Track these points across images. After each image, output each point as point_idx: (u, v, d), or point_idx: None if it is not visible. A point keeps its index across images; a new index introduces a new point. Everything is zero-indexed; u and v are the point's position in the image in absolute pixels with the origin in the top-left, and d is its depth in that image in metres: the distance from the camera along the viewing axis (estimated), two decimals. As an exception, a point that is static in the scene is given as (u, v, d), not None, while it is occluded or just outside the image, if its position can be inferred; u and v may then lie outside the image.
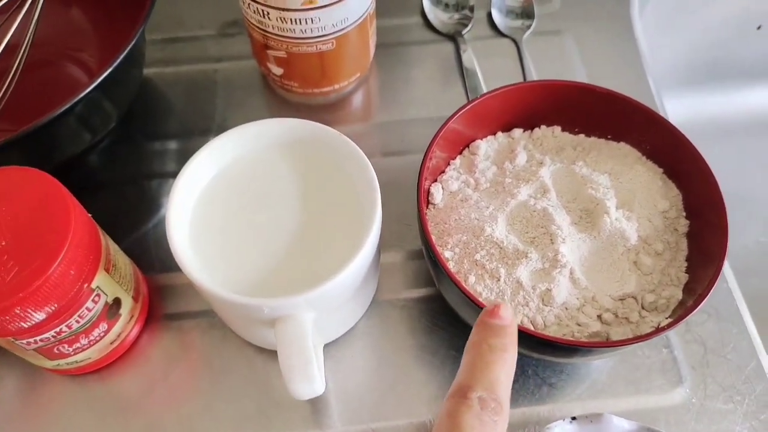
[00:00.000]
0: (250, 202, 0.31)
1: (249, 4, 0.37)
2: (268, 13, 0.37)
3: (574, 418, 0.29)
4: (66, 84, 0.43)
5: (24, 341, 0.29)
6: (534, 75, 0.46)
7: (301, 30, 0.38)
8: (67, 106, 0.32)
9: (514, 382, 0.34)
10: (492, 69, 0.47)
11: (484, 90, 0.45)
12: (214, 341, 0.36)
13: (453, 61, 0.48)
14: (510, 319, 0.23)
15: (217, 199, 0.31)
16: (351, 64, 0.43)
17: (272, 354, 0.35)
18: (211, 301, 0.30)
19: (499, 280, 0.30)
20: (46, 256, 0.27)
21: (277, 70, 0.42)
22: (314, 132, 0.32)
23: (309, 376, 0.27)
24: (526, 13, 0.49)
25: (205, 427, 0.33)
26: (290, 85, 0.43)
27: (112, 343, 0.33)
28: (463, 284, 0.28)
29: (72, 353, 0.32)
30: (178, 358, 0.35)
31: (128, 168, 0.43)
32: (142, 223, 0.40)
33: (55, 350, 0.31)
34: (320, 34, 0.38)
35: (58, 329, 0.29)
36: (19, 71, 0.37)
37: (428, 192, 0.34)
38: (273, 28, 0.38)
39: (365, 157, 0.30)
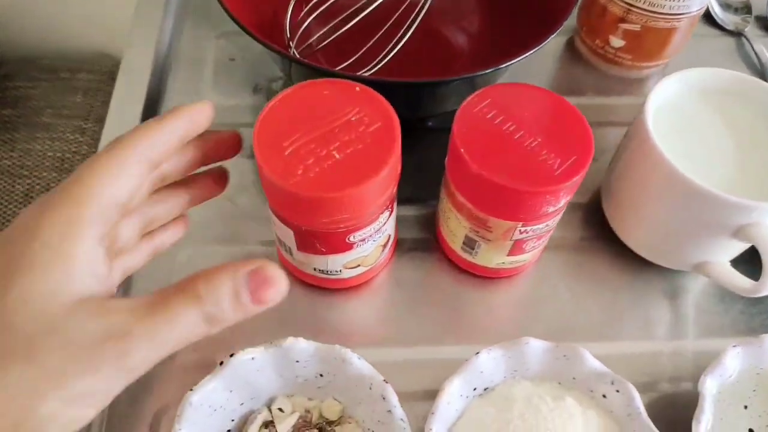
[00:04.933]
0: (700, 129, 0.37)
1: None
2: (649, -11, 0.44)
3: None
4: (448, 48, 0.49)
5: (529, 227, 0.34)
6: (816, 70, 0.52)
7: (670, 6, 0.44)
8: (481, 73, 0.36)
9: None
10: (775, 63, 0.53)
11: (778, 79, 0.52)
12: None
13: (735, 54, 0.54)
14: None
15: (672, 121, 0.37)
16: (679, 44, 0.49)
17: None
18: (676, 199, 0.34)
19: None
20: (581, 153, 0.32)
21: (618, 43, 0.48)
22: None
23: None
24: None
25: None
26: (623, 57, 0.49)
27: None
28: None
29: (528, 250, 0.37)
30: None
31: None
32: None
33: (526, 246, 0.36)
34: (685, 11, 0.45)
35: (548, 222, 0.34)
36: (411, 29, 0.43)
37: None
38: (644, 3, 0.44)
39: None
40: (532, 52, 0.37)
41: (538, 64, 0.52)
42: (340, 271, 0.36)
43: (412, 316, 0.39)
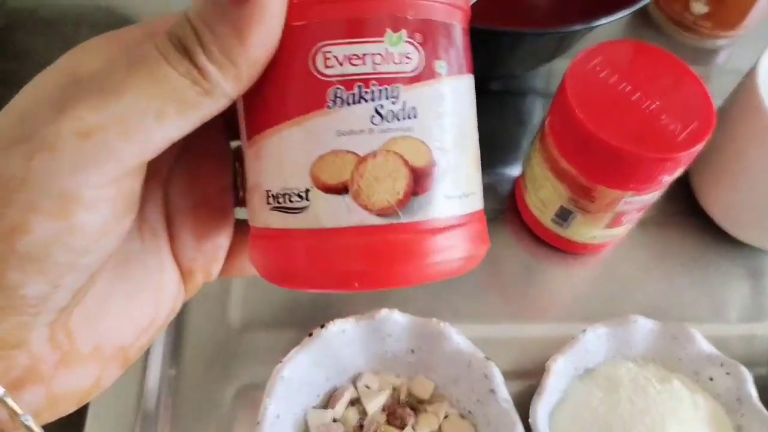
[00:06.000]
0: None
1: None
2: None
3: None
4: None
5: (637, 198, 0.31)
6: None
7: (763, -30, 0.42)
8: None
9: None
10: None
11: None
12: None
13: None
14: None
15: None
16: (760, 12, 0.46)
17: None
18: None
19: None
20: (702, 119, 0.29)
21: (702, 9, 0.45)
22: None
23: None
24: None
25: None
26: (702, 25, 0.46)
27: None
28: None
29: (625, 223, 0.34)
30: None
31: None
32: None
33: (624, 218, 0.33)
34: (777, -24, 0.42)
35: (655, 193, 0.32)
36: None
37: None
38: (736, -35, 0.42)
39: None
40: (634, 8, 0.35)
41: (606, 29, 0.49)
42: None
43: (493, 291, 0.36)
